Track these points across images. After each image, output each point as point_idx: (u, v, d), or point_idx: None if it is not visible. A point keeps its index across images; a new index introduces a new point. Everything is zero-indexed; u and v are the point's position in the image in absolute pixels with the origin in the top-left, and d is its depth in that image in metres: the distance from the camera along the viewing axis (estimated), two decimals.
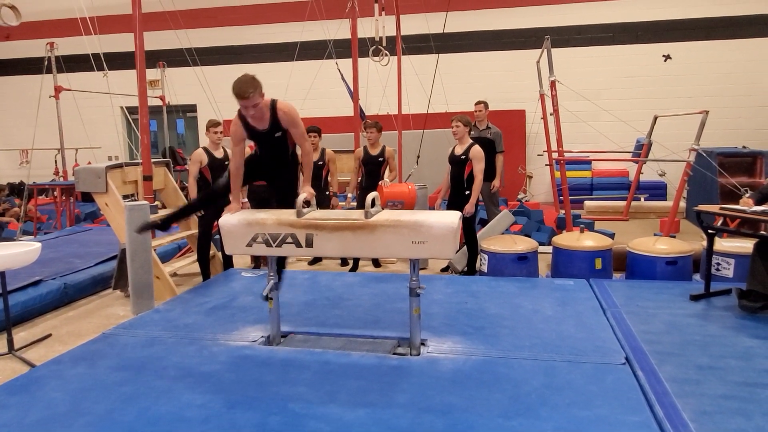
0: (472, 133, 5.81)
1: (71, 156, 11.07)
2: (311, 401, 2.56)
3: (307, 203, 3.20)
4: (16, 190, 11.40)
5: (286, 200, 3.51)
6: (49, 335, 4.16)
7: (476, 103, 6.19)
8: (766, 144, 9.28)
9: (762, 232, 3.90)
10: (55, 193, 8.83)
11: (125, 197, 5.27)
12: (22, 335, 4.16)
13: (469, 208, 5.00)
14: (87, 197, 9.14)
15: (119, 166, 5.33)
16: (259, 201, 5.53)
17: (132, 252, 4.40)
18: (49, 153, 10.80)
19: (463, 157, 5.09)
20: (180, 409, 2.51)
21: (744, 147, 8.19)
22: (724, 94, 10.58)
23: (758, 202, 3.85)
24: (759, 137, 10.13)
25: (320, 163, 5.82)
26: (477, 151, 5.06)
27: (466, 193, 5.07)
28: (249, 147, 3.71)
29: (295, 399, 2.58)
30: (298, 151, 3.57)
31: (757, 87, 10.58)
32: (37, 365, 3.22)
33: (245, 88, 3.05)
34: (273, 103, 3.26)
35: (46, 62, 9.41)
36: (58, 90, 9.34)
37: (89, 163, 8.95)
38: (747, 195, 4.00)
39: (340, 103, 10.19)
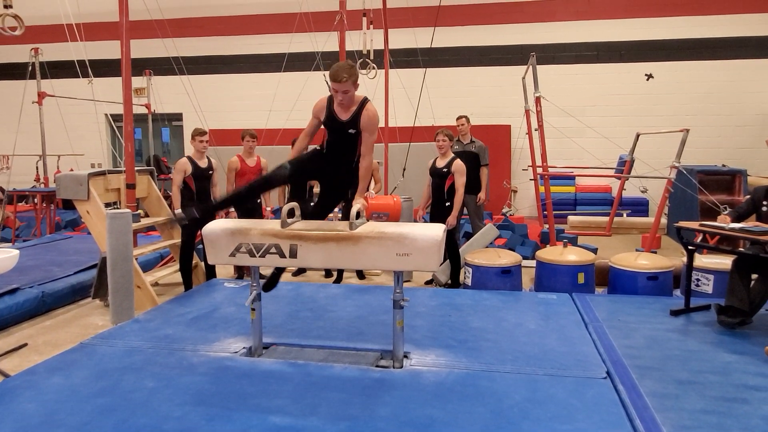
0: (456, 147, 5.86)
1: (53, 163, 10.92)
2: (292, 414, 2.53)
3: (357, 215, 3.09)
4: None
5: (332, 202, 3.41)
6: (25, 345, 4.07)
7: (458, 118, 6.23)
8: (744, 163, 9.47)
9: (740, 249, 3.97)
10: (36, 199, 8.69)
11: (107, 205, 5.21)
12: None
13: (451, 220, 5.04)
14: (68, 205, 9.03)
15: (102, 173, 5.27)
16: (243, 210, 5.50)
17: (113, 261, 4.33)
18: (31, 159, 10.64)
19: (445, 170, 5.14)
20: (158, 422, 2.46)
21: (723, 165, 8.34)
22: (705, 114, 10.80)
23: (735, 220, 3.92)
24: (738, 156, 10.34)
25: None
26: (459, 165, 5.12)
27: (447, 204, 5.12)
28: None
29: (276, 411, 2.55)
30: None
31: (737, 107, 10.81)
32: (12, 375, 3.14)
33: (340, 73, 3.04)
34: (364, 100, 3.21)
35: (30, 68, 9.31)
36: (41, 96, 9.24)
37: (71, 170, 8.84)
38: (725, 212, 4.07)
39: None
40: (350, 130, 3.21)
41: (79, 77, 6.24)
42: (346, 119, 3.21)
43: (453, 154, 5.27)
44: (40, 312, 4.77)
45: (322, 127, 3.37)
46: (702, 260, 4.70)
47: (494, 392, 2.75)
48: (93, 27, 7.17)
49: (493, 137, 10.43)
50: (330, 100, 3.24)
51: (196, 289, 4.94)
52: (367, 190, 5.62)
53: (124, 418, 2.49)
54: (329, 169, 3.37)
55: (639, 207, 10.31)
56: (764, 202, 3.93)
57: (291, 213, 3.22)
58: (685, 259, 4.35)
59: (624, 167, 8.63)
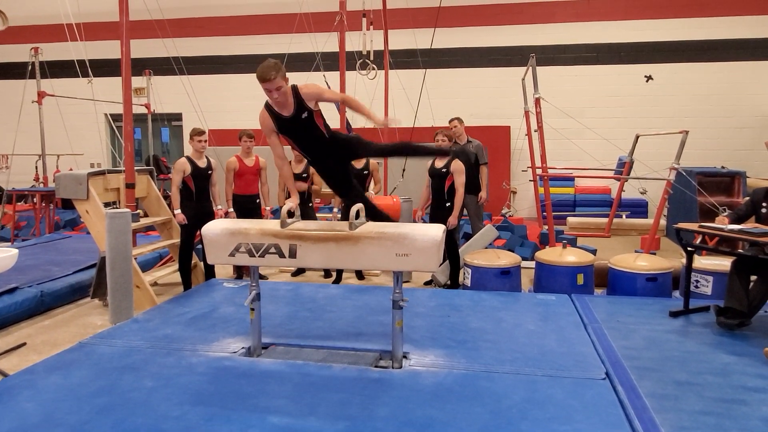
0: (454, 149, 5.86)
1: (52, 162, 10.91)
2: (291, 414, 2.53)
3: (356, 215, 3.10)
4: None
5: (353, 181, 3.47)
6: (24, 344, 4.07)
7: (450, 120, 6.18)
8: (743, 164, 9.48)
9: (740, 251, 3.97)
10: (35, 199, 8.68)
11: (107, 205, 5.21)
12: None
13: (453, 220, 5.05)
14: (67, 204, 9.02)
15: (101, 173, 5.27)
16: (242, 210, 5.50)
17: (112, 260, 4.33)
18: (30, 159, 10.64)
19: (444, 170, 5.15)
20: (156, 421, 2.46)
21: (722, 167, 8.35)
22: (704, 115, 10.81)
23: (735, 222, 3.92)
24: (737, 158, 10.35)
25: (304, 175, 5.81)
26: (458, 164, 5.13)
27: (447, 205, 5.13)
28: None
29: (275, 411, 2.55)
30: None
31: (736, 109, 10.82)
32: (10, 374, 3.14)
33: (267, 71, 3.05)
34: (294, 87, 3.23)
35: (29, 67, 9.31)
36: (41, 95, 9.23)
37: (70, 169, 8.83)
38: (724, 214, 4.08)
39: (327, 115, 10.22)
40: (303, 116, 3.24)
41: (78, 77, 6.23)
42: (292, 113, 3.22)
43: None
44: (38, 311, 4.77)
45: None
46: (701, 262, 4.70)
47: (493, 393, 2.75)
48: (93, 27, 7.16)
49: (493, 138, 10.42)
50: (268, 107, 3.25)
51: (195, 289, 4.94)
52: (367, 190, 5.64)
53: (123, 418, 2.48)
54: (322, 161, 3.44)
55: (638, 208, 10.32)
56: (763, 204, 3.93)
57: (290, 213, 3.22)
58: (684, 260, 4.35)
59: (623, 168, 8.65)
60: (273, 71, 3.05)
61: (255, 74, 3.08)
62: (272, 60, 3.12)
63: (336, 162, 3.49)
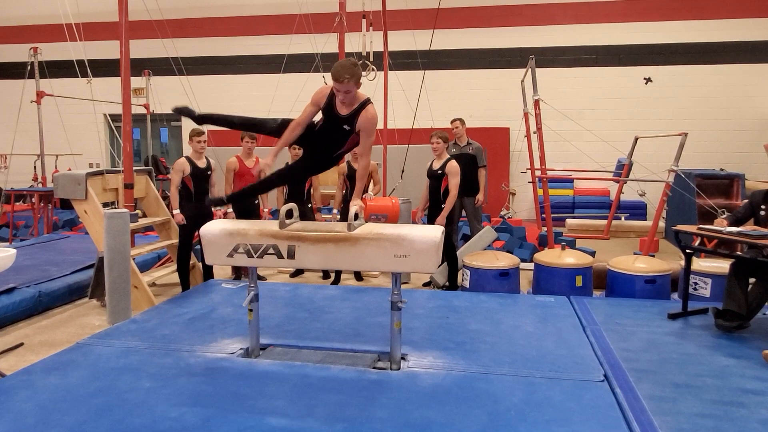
0: (453, 150, 5.88)
1: (51, 162, 10.90)
2: (289, 415, 2.53)
3: (355, 216, 3.08)
4: None
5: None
6: (21, 344, 4.06)
7: (452, 121, 6.20)
8: (742, 167, 9.49)
9: (738, 253, 3.97)
10: (33, 199, 8.67)
11: (105, 205, 5.20)
12: None
13: (440, 220, 5.05)
14: (66, 204, 9.02)
15: (100, 173, 5.26)
16: (241, 211, 5.50)
17: (110, 260, 4.33)
18: (29, 159, 10.63)
19: (440, 171, 5.17)
20: (154, 422, 2.46)
21: (721, 169, 8.36)
22: (703, 118, 10.83)
23: (733, 224, 3.93)
24: (736, 160, 10.37)
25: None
26: (453, 166, 5.15)
27: (443, 206, 5.14)
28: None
29: (272, 412, 2.55)
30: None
31: (735, 111, 10.84)
32: (7, 375, 3.13)
33: (342, 73, 3.00)
34: (366, 101, 3.17)
35: (29, 67, 9.30)
36: (40, 95, 9.23)
37: (69, 169, 8.82)
38: (723, 216, 4.08)
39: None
40: (345, 126, 3.18)
41: (78, 77, 6.24)
42: (344, 114, 3.17)
43: (448, 156, 5.30)
44: (36, 311, 4.76)
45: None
46: (700, 264, 4.71)
47: (491, 394, 2.75)
48: (92, 27, 7.16)
49: (492, 140, 10.44)
50: (332, 94, 3.18)
51: (193, 289, 4.93)
52: (366, 191, 5.63)
53: (120, 419, 2.48)
54: (315, 148, 3.35)
55: (637, 210, 10.33)
56: (762, 207, 3.93)
57: (289, 214, 3.22)
58: (682, 262, 4.35)
59: (622, 170, 8.65)
60: (347, 74, 3.00)
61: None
62: (352, 60, 3.06)
63: (313, 160, 3.45)
